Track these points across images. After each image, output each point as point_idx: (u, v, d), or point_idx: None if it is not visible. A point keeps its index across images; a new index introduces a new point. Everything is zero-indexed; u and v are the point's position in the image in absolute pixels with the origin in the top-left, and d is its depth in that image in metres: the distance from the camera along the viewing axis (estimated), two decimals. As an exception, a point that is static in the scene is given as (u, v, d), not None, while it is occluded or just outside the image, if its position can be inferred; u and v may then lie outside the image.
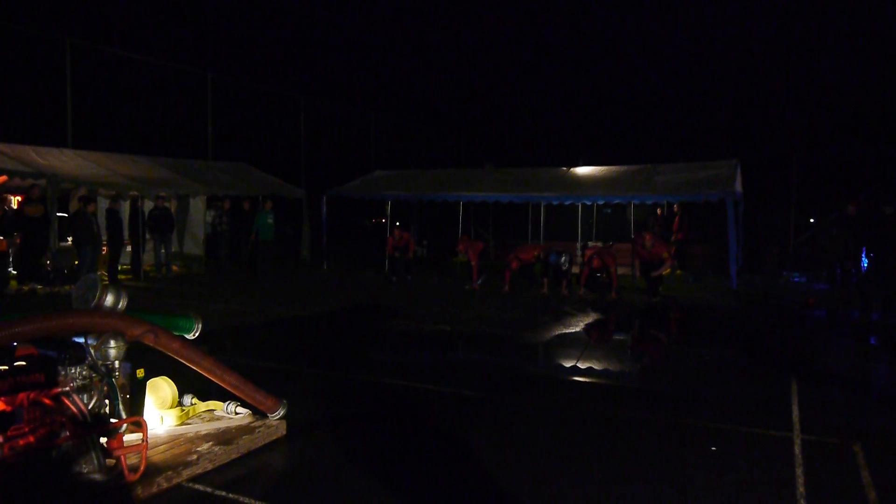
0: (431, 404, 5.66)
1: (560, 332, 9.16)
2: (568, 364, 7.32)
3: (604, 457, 4.45)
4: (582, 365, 7.17)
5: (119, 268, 14.12)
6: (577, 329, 9.33)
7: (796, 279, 14.65)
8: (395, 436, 4.91)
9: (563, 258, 12.54)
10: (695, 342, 8.91)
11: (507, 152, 27.82)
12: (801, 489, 3.91)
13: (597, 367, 7.16)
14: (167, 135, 22.52)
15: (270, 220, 15.67)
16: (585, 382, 6.56)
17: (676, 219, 16.05)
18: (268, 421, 4.68)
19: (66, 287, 12.06)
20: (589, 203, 17.20)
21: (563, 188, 15.24)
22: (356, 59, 38.00)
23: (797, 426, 5.03)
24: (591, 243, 16.90)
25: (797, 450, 4.54)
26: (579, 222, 17.92)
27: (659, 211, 16.53)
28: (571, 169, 16.34)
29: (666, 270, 12.53)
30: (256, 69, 31.47)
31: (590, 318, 10.19)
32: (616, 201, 15.45)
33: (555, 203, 15.96)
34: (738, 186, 14.02)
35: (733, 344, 8.65)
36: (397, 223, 17.60)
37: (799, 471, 4.18)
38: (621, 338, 9.60)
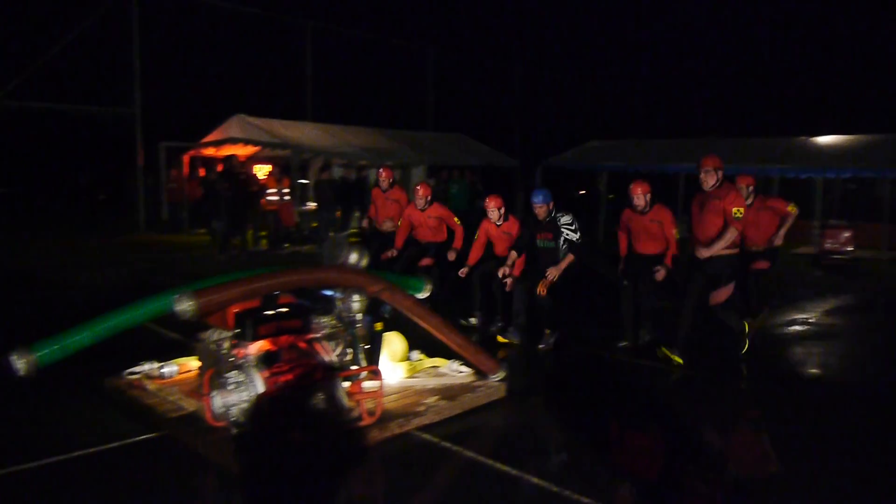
0: (647, 378, 5.51)
1: None
2: None
3: None
4: None
5: (350, 231, 15.35)
6: None
7: None
8: (608, 405, 4.86)
9: None
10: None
11: (736, 121, 25.71)
12: None
13: None
14: (391, 107, 24.03)
15: (455, 190, 15.65)
16: None
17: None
18: (489, 381, 4.83)
19: (305, 247, 13.35)
20: (833, 177, 15.28)
21: (800, 159, 13.76)
22: (576, 27, 37.45)
23: None
24: (832, 222, 15.08)
25: None
26: (818, 199, 16.03)
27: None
28: (812, 138, 14.66)
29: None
30: (474, 43, 32.26)
31: None
32: (865, 174, 13.61)
33: (789, 176, 14.42)
34: None
35: None
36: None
37: None
38: None
